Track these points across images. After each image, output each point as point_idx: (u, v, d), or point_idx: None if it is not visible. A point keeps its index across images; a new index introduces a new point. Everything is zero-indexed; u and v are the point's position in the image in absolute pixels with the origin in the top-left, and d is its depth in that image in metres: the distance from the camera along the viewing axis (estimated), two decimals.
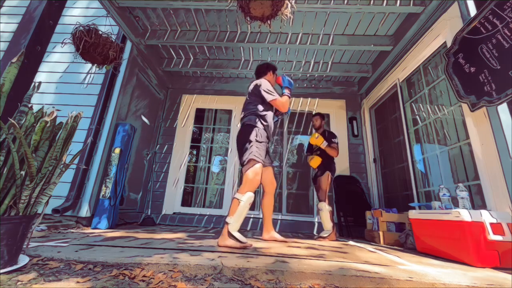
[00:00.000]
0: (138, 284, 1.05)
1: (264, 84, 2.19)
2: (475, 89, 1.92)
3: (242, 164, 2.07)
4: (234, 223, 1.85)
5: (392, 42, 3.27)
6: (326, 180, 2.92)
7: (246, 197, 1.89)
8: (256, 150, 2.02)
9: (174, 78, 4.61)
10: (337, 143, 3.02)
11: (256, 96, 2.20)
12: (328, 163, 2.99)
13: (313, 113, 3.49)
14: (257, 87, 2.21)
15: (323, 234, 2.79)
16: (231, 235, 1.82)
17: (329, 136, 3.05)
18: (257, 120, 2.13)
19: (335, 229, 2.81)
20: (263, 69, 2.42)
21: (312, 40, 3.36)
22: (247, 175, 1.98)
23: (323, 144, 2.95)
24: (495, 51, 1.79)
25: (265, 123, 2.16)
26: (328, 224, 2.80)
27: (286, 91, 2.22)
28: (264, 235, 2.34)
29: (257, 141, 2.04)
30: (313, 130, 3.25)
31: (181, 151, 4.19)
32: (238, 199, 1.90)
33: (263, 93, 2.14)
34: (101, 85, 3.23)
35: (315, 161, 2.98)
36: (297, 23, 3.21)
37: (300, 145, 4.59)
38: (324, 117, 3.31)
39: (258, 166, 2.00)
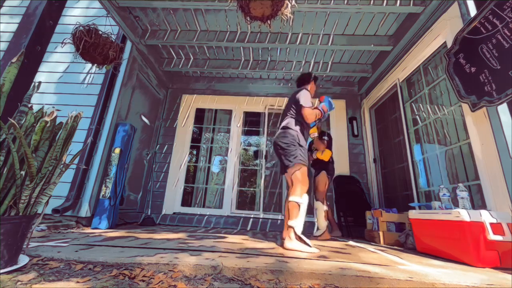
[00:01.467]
0: (138, 284, 1.05)
1: (304, 92, 2.24)
2: (476, 89, 1.92)
3: (286, 167, 2.08)
4: (298, 226, 1.87)
5: (392, 42, 3.27)
6: (322, 180, 2.97)
7: (305, 199, 1.94)
8: (300, 154, 2.04)
9: (174, 78, 4.61)
10: (326, 141, 3.10)
11: (295, 103, 2.23)
12: (324, 163, 3.05)
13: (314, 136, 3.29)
14: (296, 94, 2.27)
15: (317, 233, 2.87)
16: (300, 239, 1.83)
17: (322, 133, 3.11)
18: (296, 123, 2.18)
19: (328, 229, 2.87)
20: (306, 78, 2.50)
21: (312, 40, 3.36)
22: (297, 177, 1.99)
23: (313, 135, 2.98)
24: (495, 51, 1.79)
25: (302, 128, 2.20)
26: (322, 223, 2.85)
27: (322, 107, 2.24)
28: (284, 234, 2.40)
29: (299, 145, 2.07)
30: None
31: (181, 151, 4.19)
32: (297, 202, 1.91)
33: (300, 98, 2.17)
34: (101, 85, 3.23)
35: (326, 154, 3.01)
36: (297, 23, 3.21)
37: None
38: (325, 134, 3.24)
39: (305, 169, 2.03)
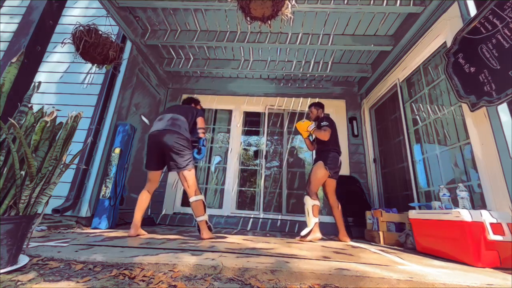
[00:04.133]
0: (138, 284, 1.05)
1: (202, 112, 2.63)
2: (475, 89, 1.92)
3: (179, 167, 2.33)
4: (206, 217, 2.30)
5: (392, 42, 3.27)
6: (316, 171, 2.68)
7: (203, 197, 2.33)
8: (191, 158, 2.41)
9: (174, 78, 4.61)
10: (327, 125, 2.78)
11: (192, 116, 2.53)
12: (323, 153, 2.76)
13: (311, 128, 2.94)
14: (195, 110, 2.57)
15: (303, 232, 2.54)
16: (210, 227, 2.28)
17: (320, 121, 2.87)
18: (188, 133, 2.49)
19: (317, 227, 2.61)
20: (197, 101, 2.85)
21: (312, 40, 3.35)
22: (192, 179, 2.31)
23: (310, 127, 2.83)
24: (495, 51, 1.79)
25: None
26: (309, 220, 2.58)
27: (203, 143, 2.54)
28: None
29: (189, 149, 2.43)
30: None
31: None
32: (203, 200, 2.29)
33: (200, 116, 2.56)
34: (101, 85, 3.22)
35: (300, 125, 2.90)
36: (297, 23, 3.21)
37: (300, 146, 4.59)
38: (321, 105, 3.12)
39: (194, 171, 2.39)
